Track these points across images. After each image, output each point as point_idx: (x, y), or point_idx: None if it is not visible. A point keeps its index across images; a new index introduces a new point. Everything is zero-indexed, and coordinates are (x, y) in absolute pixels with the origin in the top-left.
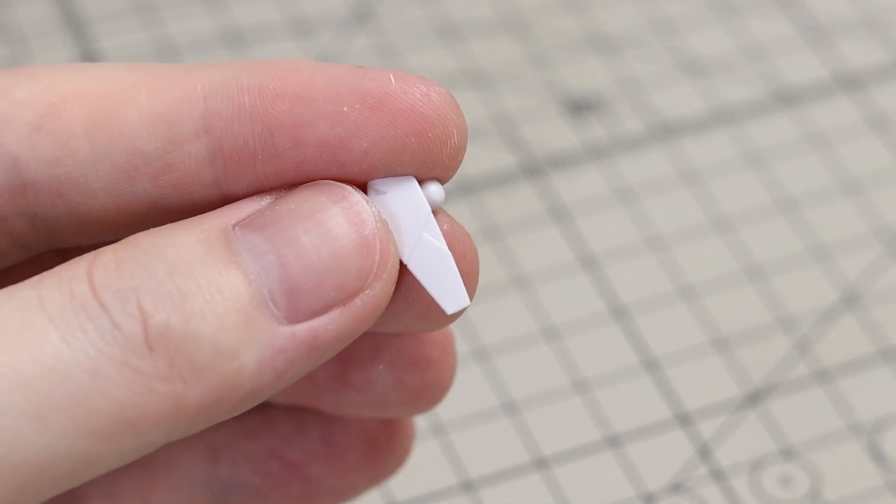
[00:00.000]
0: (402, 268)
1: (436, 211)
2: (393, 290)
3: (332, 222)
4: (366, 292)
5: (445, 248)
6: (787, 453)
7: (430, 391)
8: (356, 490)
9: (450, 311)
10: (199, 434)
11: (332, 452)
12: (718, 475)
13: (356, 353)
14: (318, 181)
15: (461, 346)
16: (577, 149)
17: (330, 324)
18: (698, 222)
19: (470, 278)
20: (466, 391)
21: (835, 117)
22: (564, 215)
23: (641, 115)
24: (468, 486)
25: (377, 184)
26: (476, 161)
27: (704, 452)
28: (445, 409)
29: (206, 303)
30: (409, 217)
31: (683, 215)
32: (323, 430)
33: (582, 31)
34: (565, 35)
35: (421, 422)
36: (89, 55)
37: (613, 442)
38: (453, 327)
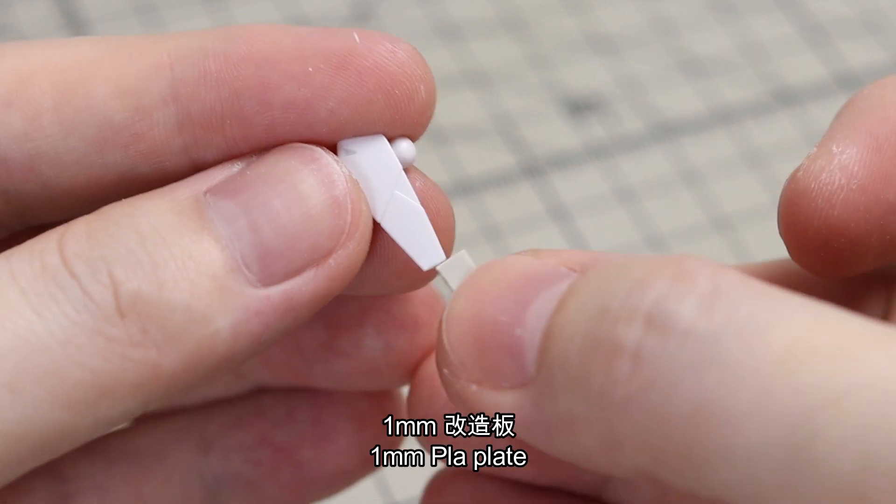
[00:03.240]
0: (377, 227)
1: (408, 168)
2: (367, 249)
3: (302, 184)
4: (339, 252)
5: (418, 204)
6: None
7: (418, 354)
8: (349, 477)
9: (425, 266)
10: (189, 425)
11: (323, 434)
12: None
13: (343, 319)
14: (288, 144)
15: None
16: (577, 149)
17: (304, 285)
18: (698, 222)
19: (445, 234)
20: None
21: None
22: (564, 215)
23: (641, 115)
24: None
25: (347, 144)
26: (476, 161)
27: None
28: None
29: (178, 269)
30: (380, 175)
31: (683, 215)
32: (313, 413)
33: (582, 31)
34: (565, 35)
35: None
36: None
37: None
38: None
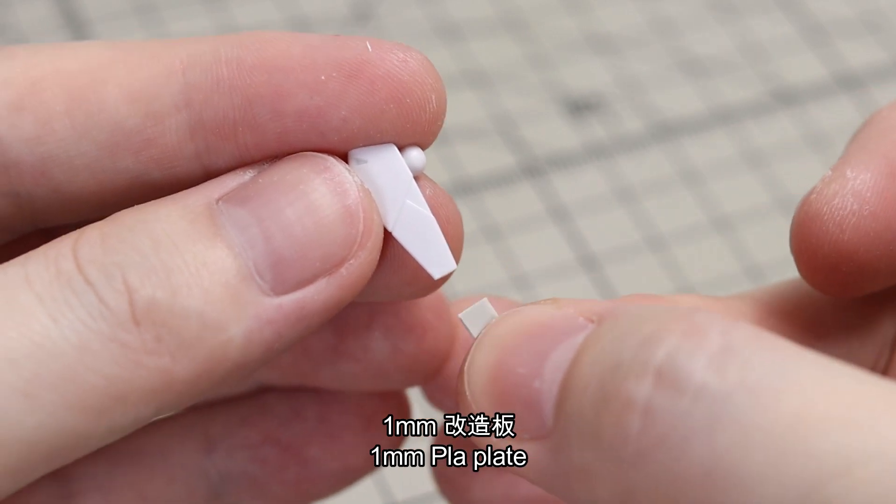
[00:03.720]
0: (388, 235)
1: (418, 177)
2: (378, 258)
3: (314, 193)
4: (351, 261)
5: (429, 213)
6: None
7: (426, 357)
8: (355, 473)
9: (437, 275)
10: (193, 424)
11: (329, 432)
12: None
13: (351, 322)
14: (300, 153)
15: None
16: (577, 149)
17: (316, 294)
18: (698, 222)
19: (455, 242)
20: None
21: (834, 117)
22: (564, 215)
23: (641, 115)
24: None
25: (358, 153)
26: (476, 161)
27: None
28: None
29: (191, 277)
30: (391, 184)
31: (683, 215)
32: (319, 410)
33: (582, 31)
34: (565, 35)
35: None
36: None
37: None
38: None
